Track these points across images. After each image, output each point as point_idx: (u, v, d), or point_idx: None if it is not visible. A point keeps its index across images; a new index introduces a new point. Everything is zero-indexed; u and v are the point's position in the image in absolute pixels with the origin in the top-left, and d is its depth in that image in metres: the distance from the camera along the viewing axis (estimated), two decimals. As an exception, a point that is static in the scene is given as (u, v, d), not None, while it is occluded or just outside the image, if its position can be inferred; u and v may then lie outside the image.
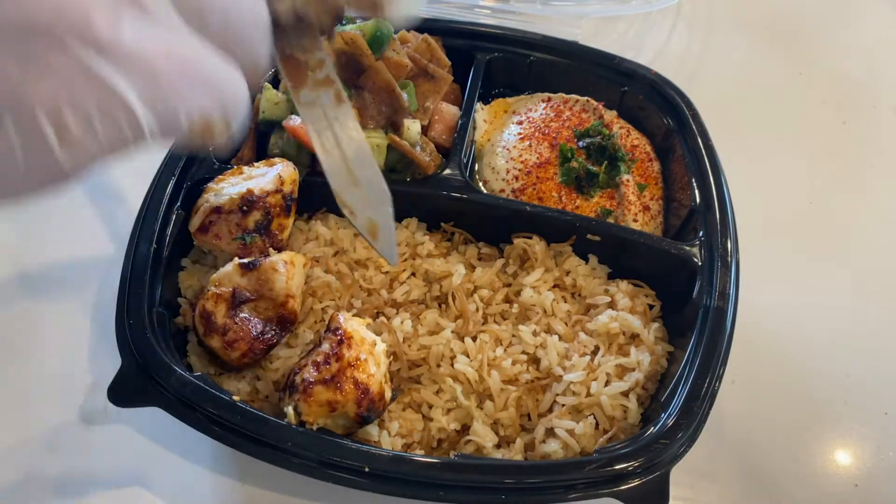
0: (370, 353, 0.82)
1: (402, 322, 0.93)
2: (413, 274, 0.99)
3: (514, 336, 0.94)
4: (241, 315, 0.86)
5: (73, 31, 0.42)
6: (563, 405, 0.87)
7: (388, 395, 0.83)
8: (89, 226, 1.13)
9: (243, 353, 0.85)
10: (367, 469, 0.76)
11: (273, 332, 0.87)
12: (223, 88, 0.49)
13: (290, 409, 0.80)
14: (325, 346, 0.82)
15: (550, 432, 0.86)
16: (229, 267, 0.88)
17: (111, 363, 0.83)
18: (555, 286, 0.98)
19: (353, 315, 0.87)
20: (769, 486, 0.94)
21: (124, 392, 0.81)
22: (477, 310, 0.96)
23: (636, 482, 0.76)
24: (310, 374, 0.80)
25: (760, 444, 0.97)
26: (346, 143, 0.66)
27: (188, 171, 0.98)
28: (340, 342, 0.81)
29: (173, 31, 0.47)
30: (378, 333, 0.89)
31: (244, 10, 0.53)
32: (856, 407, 1.00)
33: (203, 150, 0.47)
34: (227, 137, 0.51)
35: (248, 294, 0.87)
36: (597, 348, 0.92)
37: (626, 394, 0.88)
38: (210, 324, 0.85)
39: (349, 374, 0.79)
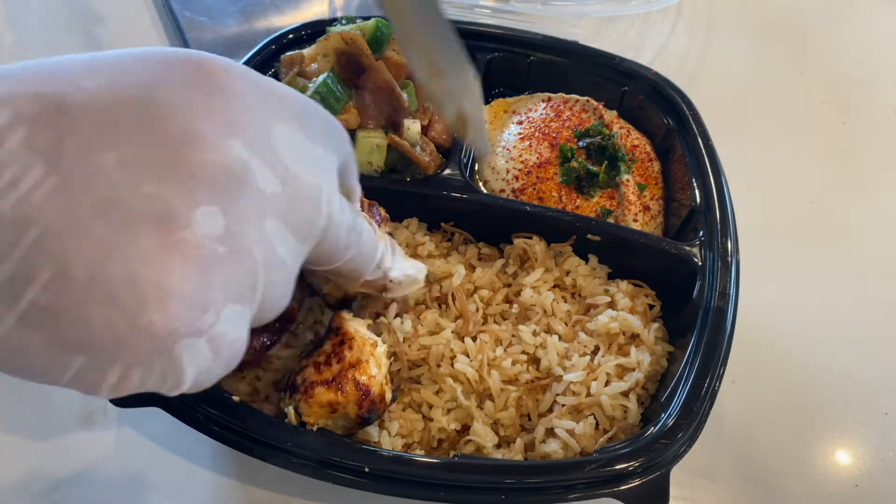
0: (371, 354, 0.82)
1: (401, 322, 0.93)
2: (414, 274, 0.99)
3: (513, 336, 0.94)
4: None
5: (192, 319, 0.46)
6: (563, 405, 0.87)
7: (388, 396, 0.83)
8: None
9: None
10: (366, 469, 0.76)
11: (272, 332, 0.87)
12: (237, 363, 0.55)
13: (290, 410, 0.80)
14: (327, 347, 0.82)
15: (550, 432, 0.86)
16: None
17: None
18: (555, 286, 0.98)
19: (354, 316, 0.87)
20: (769, 486, 0.94)
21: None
22: (477, 310, 0.96)
23: (636, 482, 0.76)
24: (311, 374, 0.80)
25: (760, 443, 0.97)
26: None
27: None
28: (342, 343, 0.81)
29: (246, 322, 0.53)
30: (378, 334, 0.89)
31: (283, 304, 0.59)
32: (856, 407, 1.00)
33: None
34: None
35: None
36: (597, 348, 0.92)
37: (626, 394, 0.88)
38: None
39: (350, 375, 0.79)
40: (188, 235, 0.44)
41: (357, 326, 0.84)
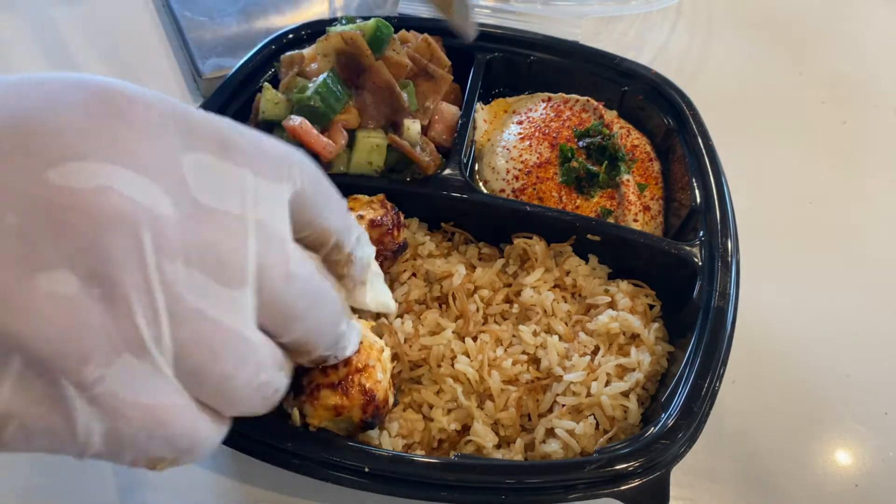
0: (378, 359, 0.81)
1: (402, 323, 0.93)
2: (414, 274, 0.99)
3: (514, 336, 0.94)
4: None
5: (68, 370, 0.41)
6: (564, 405, 0.87)
7: (391, 401, 0.83)
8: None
9: None
10: (366, 469, 0.76)
11: None
12: (185, 444, 0.48)
13: (294, 411, 0.80)
14: None
15: (550, 432, 0.86)
16: None
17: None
18: (555, 286, 0.98)
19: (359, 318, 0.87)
20: (769, 486, 0.94)
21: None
22: (477, 310, 0.96)
23: (636, 482, 0.76)
24: (317, 376, 0.79)
25: (761, 443, 0.97)
26: None
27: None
28: None
29: (163, 384, 0.45)
30: (379, 335, 0.89)
31: (240, 384, 0.50)
32: (856, 407, 1.00)
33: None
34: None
35: None
36: (597, 348, 0.92)
37: (626, 394, 0.88)
38: None
39: (356, 379, 0.79)
40: (47, 284, 0.39)
41: (365, 331, 0.84)
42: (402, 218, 0.95)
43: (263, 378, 0.51)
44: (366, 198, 0.95)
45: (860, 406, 1.00)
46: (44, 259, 0.39)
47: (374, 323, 0.88)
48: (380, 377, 0.81)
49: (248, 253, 0.47)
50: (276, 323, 0.51)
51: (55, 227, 0.39)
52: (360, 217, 0.91)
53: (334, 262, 0.62)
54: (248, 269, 0.47)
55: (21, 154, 0.40)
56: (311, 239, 0.57)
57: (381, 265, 0.92)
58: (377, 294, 0.75)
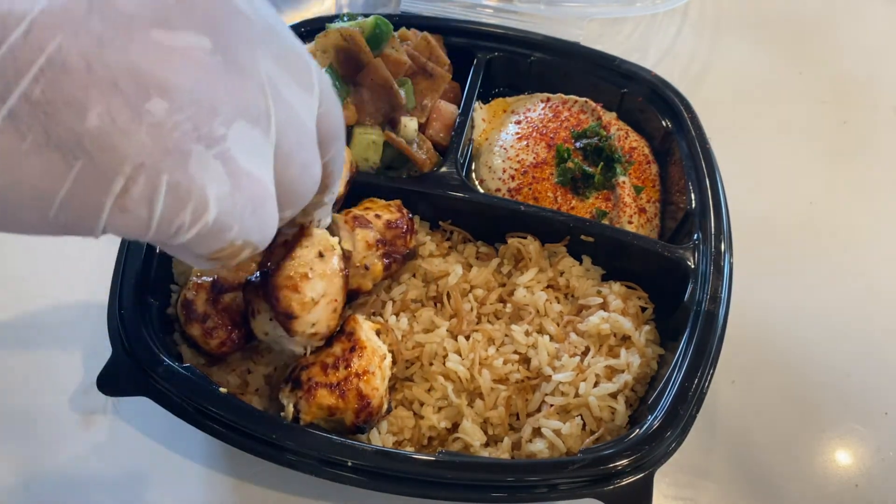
0: (379, 366, 0.82)
1: (398, 320, 0.93)
2: (413, 275, 0.99)
3: (506, 336, 0.94)
4: (222, 304, 0.87)
5: (200, 120, 0.43)
6: (552, 405, 0.87)
7: (384, 407, 0.83)
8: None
9: (222, 342, 0.86)
10: (350, 464, 0.76)
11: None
12: (268, 231, 0.52)
13: (290, 405, 0.80)
14: (336, 349, 0.82)
15: (537, 432, 0.86)
16: None
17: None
18: (548, 286, 0.98)
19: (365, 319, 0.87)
20: (769, 487, 0.93)
21: (113, 381, 0.82)
22: (471, 309, 0.96)
23: (620, 483, 0.76)
24: (316, 374, 0.80)
25: (761, 444, 0.96)
26: None
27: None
28: (352, 350, 0.81)
29: (266, 163, 0.49)
30: (376, 333, 0.89)
31: (313, 174, 0.56)
32: (856, 407, 1.00)
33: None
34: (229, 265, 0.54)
35: (227, 283, 0.87)
36: (587, 349, 0.92)
37: (614, 395, 0.87)
38: (190, 312, 0.86)
39: (355, 383, 0.80)
40: (183, 39, 0.42)
41: (369, 334, 0.84)
42: (415, 225, 0.96)
43: (318, 179, 0.57)
44: (382, 202, 0.95)
45: (860, 406, 1.00)
46: (178, 20, 0.42)
47: (379, 325, 0.88)
48: (377, 384, 0.81)
49: (313, 78, 0.53)
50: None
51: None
52: (378, 217, 0.92)
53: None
54: (315, 92, 0.54)
55: None
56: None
57: (389, 267, 0.93)
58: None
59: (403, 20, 1.13)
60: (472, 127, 1.12)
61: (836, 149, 1.27)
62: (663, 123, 1.08)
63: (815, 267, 1.13)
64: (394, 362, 0.87)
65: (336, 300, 0.79)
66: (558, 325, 0.94)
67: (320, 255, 0.78)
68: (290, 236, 0.77)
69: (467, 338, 0.93)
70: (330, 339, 0.84)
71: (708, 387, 0.82)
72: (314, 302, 0.77)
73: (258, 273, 0.80)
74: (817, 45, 1.43)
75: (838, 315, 1.08)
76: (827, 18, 1.48)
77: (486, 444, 0.88)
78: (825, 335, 1.06)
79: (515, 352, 0.93)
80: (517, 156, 1.07)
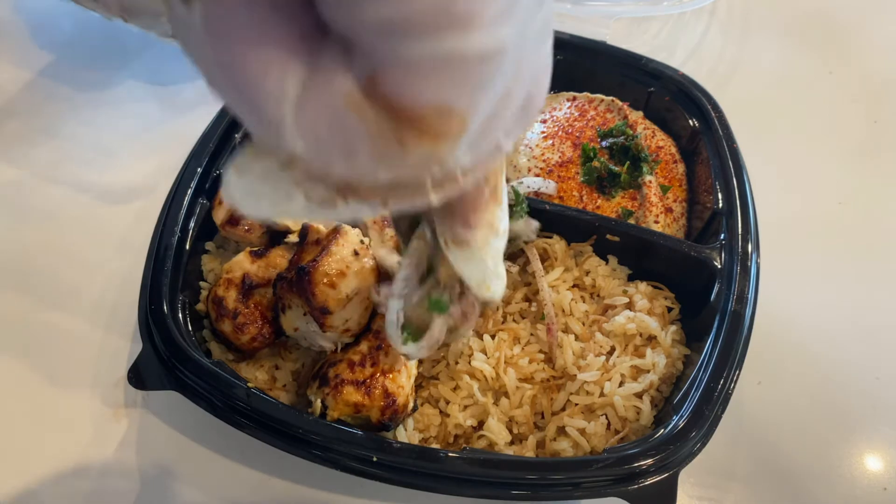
0: (405, 364, 0.83)
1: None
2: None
3: (531, 335, 0.94)
4: (252, 300, 0.88)
5: None
6: (577, 404, 0.87)
7: (410, 405, 0.84)
8: (115, 216, 1.15)
9: (253, 337, 0.87)
10: (374, 459, 0.77)
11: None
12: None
13: (317, 401, 0.81)
14: (363, 346, 0.83)
15: (562, 431, 0.86)
16: (241, 255, 0.90)
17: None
18: (574, 286, 0.98)
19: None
20: (796, 488, 0.92)
21: (143, 376, 0.84)
22: (497, 308, 0.96)
23: (644, 483, 0.76)
24: (343, 371, 0.81)
25: (787, 445, 0.95)
26: None
27: (216, 160, 1.00)
28: (379, 347, 0.82)
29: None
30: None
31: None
32: (885, 409, 0.98)
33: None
34: None
35: (257, 280, 0.88)
36: (612, 349, 0.92)
37: (639, 395, 0.87)
38: (221, 308, 0.87)
39: (381, 381, 0.80)
40: None
41: None
42: None
43: None
44: None
45: (889, 408, 0.98)
46: None
47: None
48: (403, 382, 0.82)
49: None
50: None
51: None
52: None
53: None
54: None
55: None
56: None
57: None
58: None
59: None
60: (498, 126, 1.12)
61: (866, 149, 1.26)
62: (690, 122, 1.08)
63: (843, 268, 1.11)
64: (420, 360, 0.88)
65: (367, 298, 0.81)
66: (584, 324, 0.94)
67: (356, 253, 0.80)
68: (323, 236, 0.78)
69: (493, 337, 0.93)
70: (358, 337, 0.84)
71: (734, 387, 0.82)
72: (348, 298, 0.79)
73: (290, 269, 0.82)
74: (847, 45, 1.42)
75: (867, 316, 1.07)
76: (857, 17, 1.47)
77: (511, 443, 0.88)
78: (853, 336, 1.05)
79: (540, 351, 0.93)
80: (542, 154, 1.07)
